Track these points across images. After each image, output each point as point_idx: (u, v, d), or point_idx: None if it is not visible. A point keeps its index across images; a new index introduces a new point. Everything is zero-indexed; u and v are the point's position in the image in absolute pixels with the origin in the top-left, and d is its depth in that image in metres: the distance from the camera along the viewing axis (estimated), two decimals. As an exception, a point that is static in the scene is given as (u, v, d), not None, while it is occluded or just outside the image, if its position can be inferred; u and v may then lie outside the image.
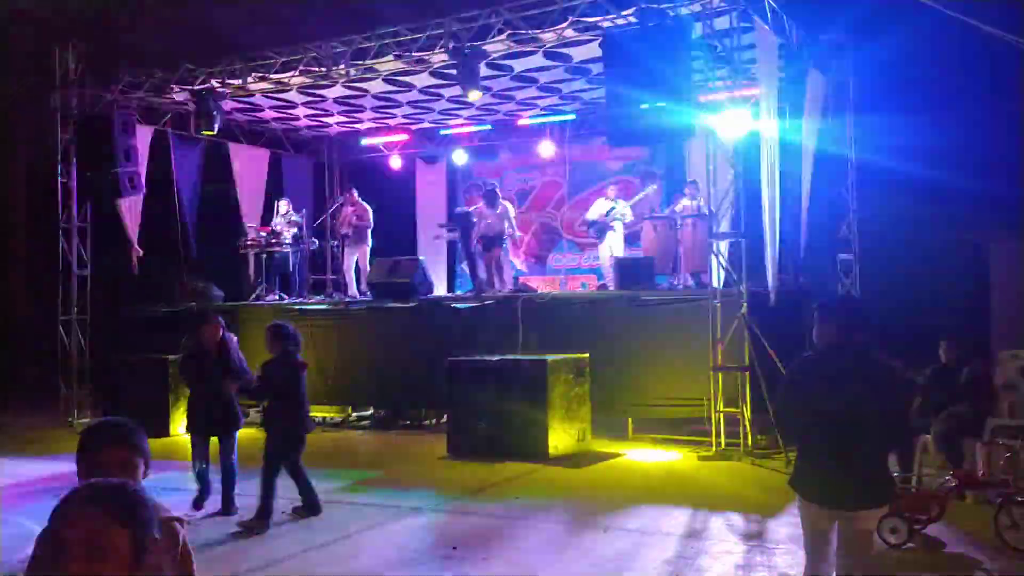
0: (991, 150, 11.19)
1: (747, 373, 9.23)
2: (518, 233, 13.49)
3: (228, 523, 7.09)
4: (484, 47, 10.50)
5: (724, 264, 10.16)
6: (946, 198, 11.04)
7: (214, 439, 7.48)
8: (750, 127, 9.88)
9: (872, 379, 3.95)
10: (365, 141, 16.30)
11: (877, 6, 11.07)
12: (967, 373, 7.40)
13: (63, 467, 9.62)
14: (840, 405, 3.86)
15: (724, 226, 10.54)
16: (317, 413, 12.54)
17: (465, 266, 14.23)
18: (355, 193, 13.92)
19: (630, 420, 10.49)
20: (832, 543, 4.00)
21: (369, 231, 13.76)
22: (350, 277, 13.90)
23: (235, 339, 7.73)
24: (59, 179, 12.98)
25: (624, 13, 9.52)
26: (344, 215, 13.93)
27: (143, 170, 12.91)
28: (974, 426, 7.20)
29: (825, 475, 3.95)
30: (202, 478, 7.45)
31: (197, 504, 7.39)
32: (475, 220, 13.01)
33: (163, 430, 10.99)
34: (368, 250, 13.73)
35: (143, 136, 13.14)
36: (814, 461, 4.02)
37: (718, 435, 9.37)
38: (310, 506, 7.26)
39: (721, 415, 9.39)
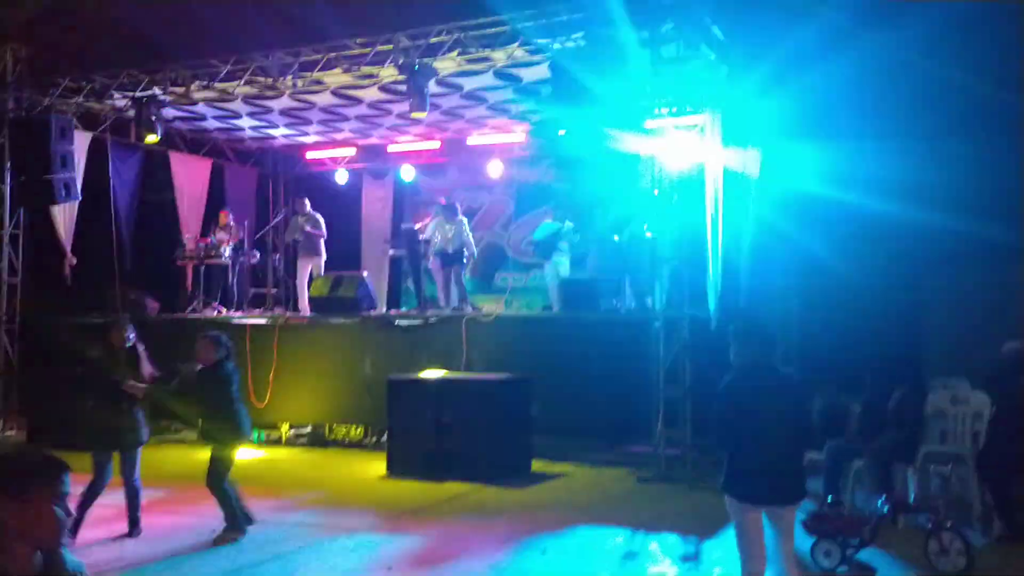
0: (931, 180, 11.49)
1: (689, 396, 9.30)
2: (474, 249, 13.39)
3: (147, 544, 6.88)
4: (434, 64, 10.49)
5: (666, 288, 10.24)
6: (886, 227, 11.30)
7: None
8: (695, 154, 10.01)
9: (787, 391, 4.57)
10: (311, 154, 16.12)
11: (822, 35, 11.33)
12: (895, 400, 7.55)
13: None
14: (769, 415, 4.44)
15: (667, 251, 10.62)
16: (254, 431, 12.33)
17: (411, 283, 14.13)
18: (307, 204, 13.70)
19: (572, 441, 10.48)
20: (762, 538, 4.50)
21: (322, 241, 13.55)
22: (302, 289, 13.45)
23: (144, 349, 7.42)
24: (-9, 183, 12.59)
25: (573, 36, 9.60)
26: (294, 225, 13.68)
27: (80, 177, 12.58)
28: (905, 452, 7.35)
29: (758, 477, 4.45)
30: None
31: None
32: (421, 237, 12.94)
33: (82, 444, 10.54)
34: (323, 262, 13.51)
35: (80, 142, 12.80)
36: (747, 466, 4.48)
37: (660, 457, 9.41)
38: (234, 526, 7.03)
39: (663, 436, 9.44)
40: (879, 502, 6.55)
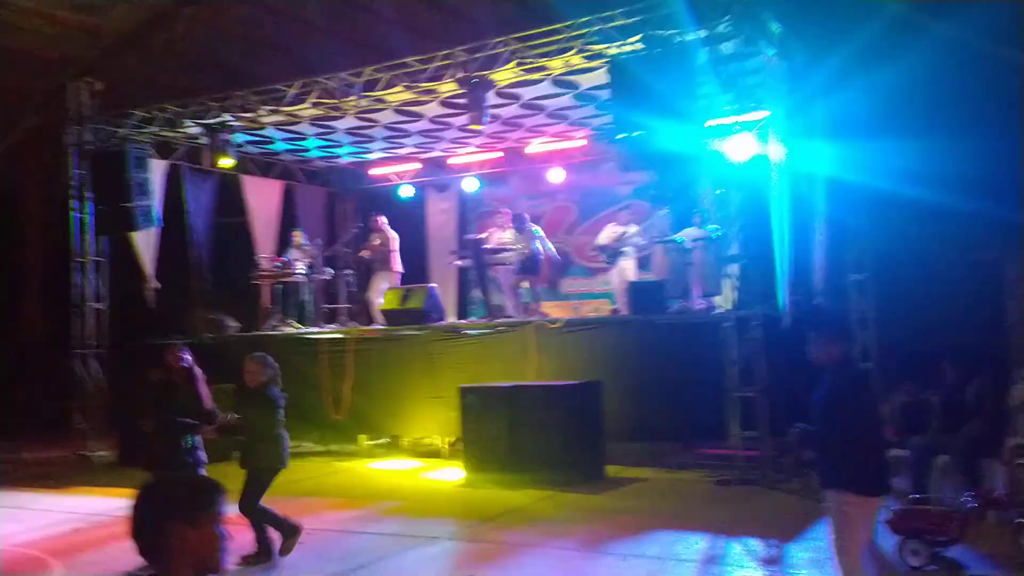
0: (999, 172, 11.17)
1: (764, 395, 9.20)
2: (556, 255, 13.40)
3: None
4: (492, 76, 10.60)
5: (736, 286, 10.15)
6: (956, 219, 11.02)
7: None
8: (757, 151, 9.92)
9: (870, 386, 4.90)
10: (375, 171, 16.41)
11: (885, 30, 11.10)
12: (973, 392, 7.35)
13: (81, 502, 9.68)
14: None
15: (735, 249, 10.54)
16: (332, 444, 12.61)
17: (479, 292, 14.26)
18: (381, 220, 14.00)
19: (646, 445, 10.45)
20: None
21: (395, 256, 13.83)
22: (376, 303, 13.69)
23: (201, 372, 7.32)
24: (75, 213, 13.13)
25: (630, 40, 9.60)
26: (370, 241, 14.00)
27: (158, 203, 13.06)
28: (990, 445, 7.15)
29: (883, 469, 4.59)
30: None
31: None
32: (485, 246, 13.07)
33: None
34: (398, 276, 13.79)
35: (157, 170, 13.29)
36: (875, 459, 4.51)
37: (737, 459, 9.32)
38: (265, 551, 6.84)
39: (739, 438, 9.35)
40: (966, 498, 6.40)
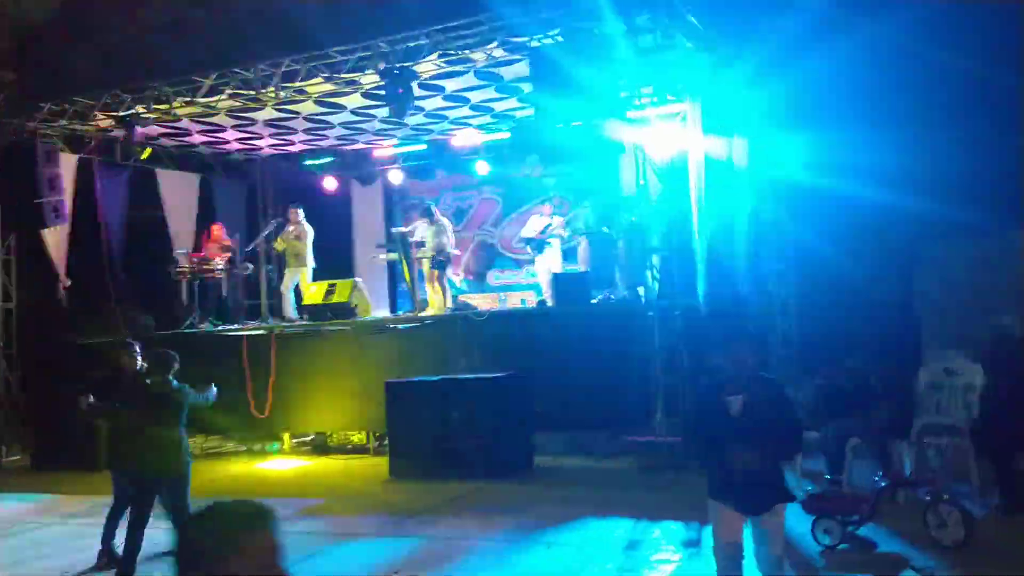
0: (914, 163, 11.55)
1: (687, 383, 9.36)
2: (455, 251, 13.46)
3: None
4: (414, 67, 10.51)
5: (656, 277, 10.30)
6: (872, 209, 11.39)
7: None
8: (679, 143, 10.07)
9: (771, 397, 4.34)
10: (297, 163, 16.15)
11: (806, 23, 11.37)
12: (878, 376, 7.62)
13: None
14: (750, 421, 4.22)
15: (657, 241, 10.69)
16: (255, 443, 12.39)
17: (405, 286, 14.17)
18: (299, 213, 13.74)
19: (573, 434, 10.54)
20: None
21: (309, 251, 13.61)
22: (287, 298, 13.58)
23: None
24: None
25: (551, 32, 9.63)
26: (285, 234, 13.73)
27: (68, 199, 12.61)
28: (900, 426, 7.41)
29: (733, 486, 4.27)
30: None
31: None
32: (411, 240, 13.00)
33: (92, 464, 10.62)
34: (309, 271, 13.56)
35: (67, 164, 12.84)
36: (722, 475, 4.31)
37: (661, 445, 9.47)
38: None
39: (663, 424, 9.50)
40: (876, 478, 6.62)
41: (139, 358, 7.26)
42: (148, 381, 6.65)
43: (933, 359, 8.13)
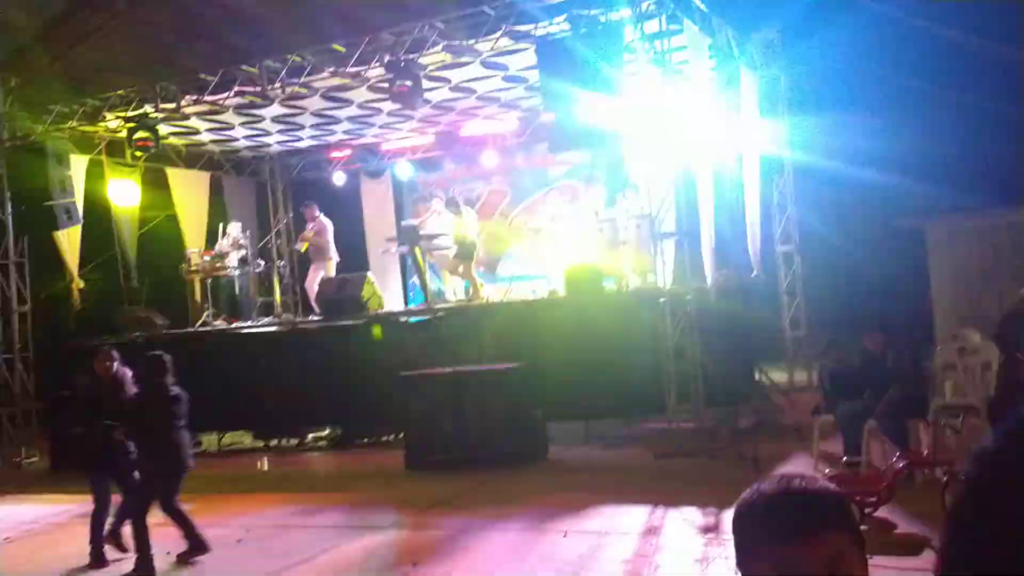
0: (923, 145, 11.49)
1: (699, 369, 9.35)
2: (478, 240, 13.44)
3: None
4: (420, 59, 10.50)
5: (669, 263, 10.27)
6: (880, 190, 11.34)
7: None
8: (689, 127, 10.01)
9: None
10: (306, 159, 16.18)
11: (809, 5, 11.31)
12: (892, 356, 7.57)
13: (13, 511, 9.41)
14: None
15: (667, 226, 10.65)
16: (272, 439, 12.44)
17: (416, 279, 14.19)
18: (314, 209, 13.79)
19: (588, 422, 10.55)
20: None
21: (329, 246, 13.66)
22: (311, 294, 13.56)
23: (130, 373, 7.20)
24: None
25: (556, 20, 9.61)
26: (304, 231, 13.79)
27: (80, 200, 12.67)
28: (916, 406, 7.37)
29: None
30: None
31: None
32: (422, 232, 13.00)
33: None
34: (333, 265, 13.63)
35: (78, 166, 12.89)
36: None
37: (675, 431, 9.47)
38: (198, 545, 6.65)
39: (676, 411, 9.49)
40: (894, 459, 6.59)
41: (116, 363, 7.11)
42: (140, 386, 6.76)
43: (948, 338, 8.08)
